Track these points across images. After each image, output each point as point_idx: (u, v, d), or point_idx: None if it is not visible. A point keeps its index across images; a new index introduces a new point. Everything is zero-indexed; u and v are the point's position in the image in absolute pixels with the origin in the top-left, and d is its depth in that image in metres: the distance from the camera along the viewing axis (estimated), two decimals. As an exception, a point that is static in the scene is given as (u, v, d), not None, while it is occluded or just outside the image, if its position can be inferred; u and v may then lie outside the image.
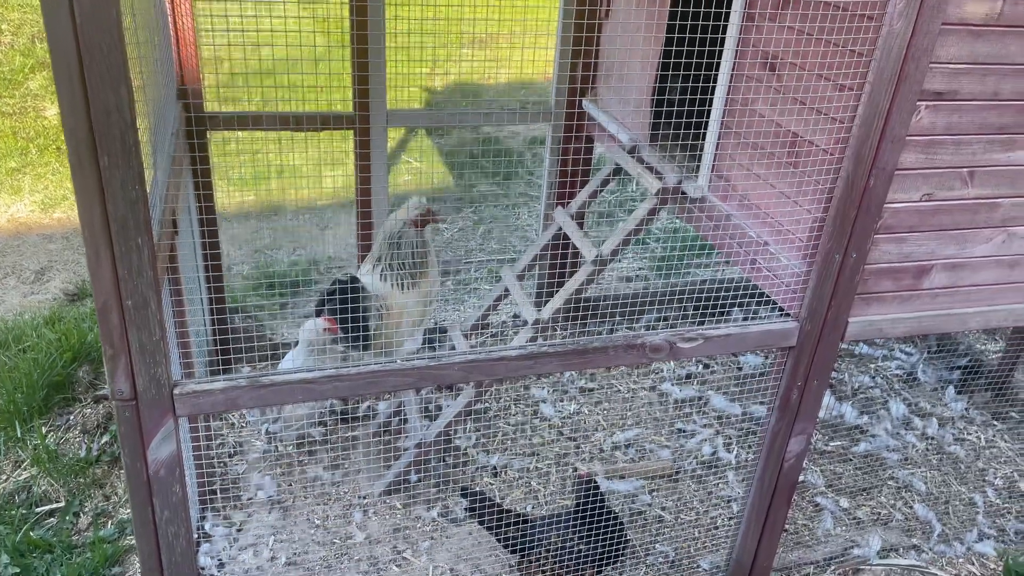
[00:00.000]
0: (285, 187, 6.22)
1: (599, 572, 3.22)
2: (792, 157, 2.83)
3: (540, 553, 3.16)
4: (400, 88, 4.52)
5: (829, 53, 2.53)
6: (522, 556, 3.22)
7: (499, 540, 3.25)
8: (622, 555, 3.31)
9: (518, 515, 3.28)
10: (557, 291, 3.85)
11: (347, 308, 3.70)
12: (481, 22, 3.43)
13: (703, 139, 3.41)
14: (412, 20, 3.81)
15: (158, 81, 3.05)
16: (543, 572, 3.16)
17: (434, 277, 4.11)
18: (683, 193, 3.49)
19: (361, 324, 3.82)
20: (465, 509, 3.44)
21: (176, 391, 2.18)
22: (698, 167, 3.48)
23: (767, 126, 2.98)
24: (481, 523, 3.27)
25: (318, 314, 3.91)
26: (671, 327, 5.21)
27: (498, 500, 3.62)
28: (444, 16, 3.59)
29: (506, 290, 4.17)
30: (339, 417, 4.31)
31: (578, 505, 3.22)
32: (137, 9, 2.45)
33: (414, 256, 3.93)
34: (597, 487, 3.22)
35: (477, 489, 3.51)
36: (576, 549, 3.14)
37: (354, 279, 3.90)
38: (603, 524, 3.16)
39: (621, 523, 3.24)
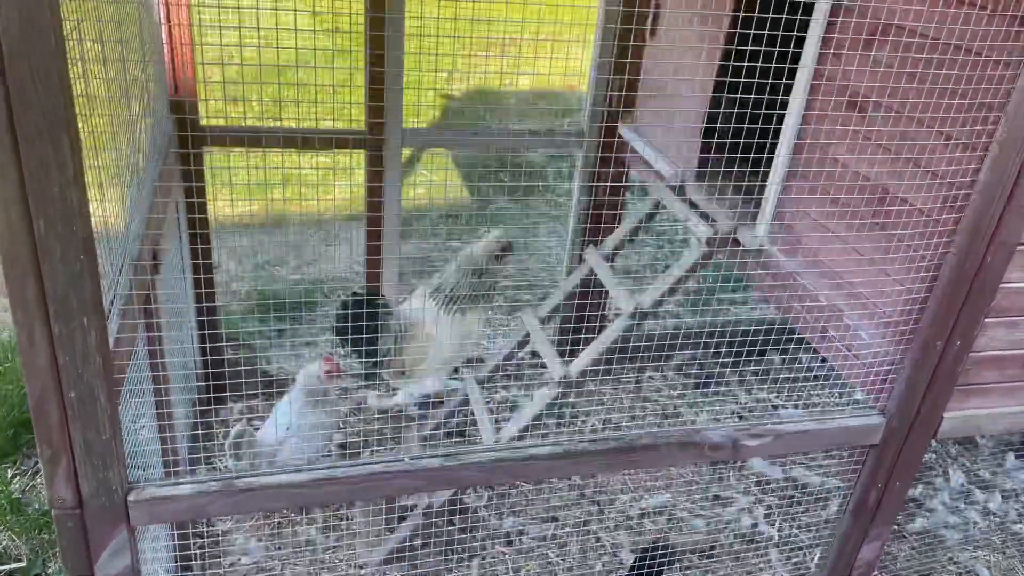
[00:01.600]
0: (290, 198, 5.81)
1: None
2: (879, 217, 2.40)
3: None
4: (416, 92, 4.09)
5: (942, 106, 2.09)
6: None
7: None
8: None
9: None
10: (584, 340, 3.43)
11: (360, 325, 3.35)
12: (503, 24, 2.98)
13: (764, 181, 2.98)
14: (430, 19, 3.37)
15: (142, 97, 2.64)
16: None
17: (480, 314, 3.69)
18: (737, 242, 3.06)
19: (367, 341, 3.45)
20: None
21: (131, 497, 1.76)
22: (757, 213, 3.04)
23: (847, 176, 2.54)
24: None
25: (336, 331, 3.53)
26: (705, 371, 4.79)
27: None
28: (464, 16, 3.14)
29: (527, 335, 3.73)
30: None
31: None
32: (106, 22, 2.04)
33: (483, 289, 3.54)
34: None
35: None
36: None
37: (370, 293, 3.53)
38: None
39: None
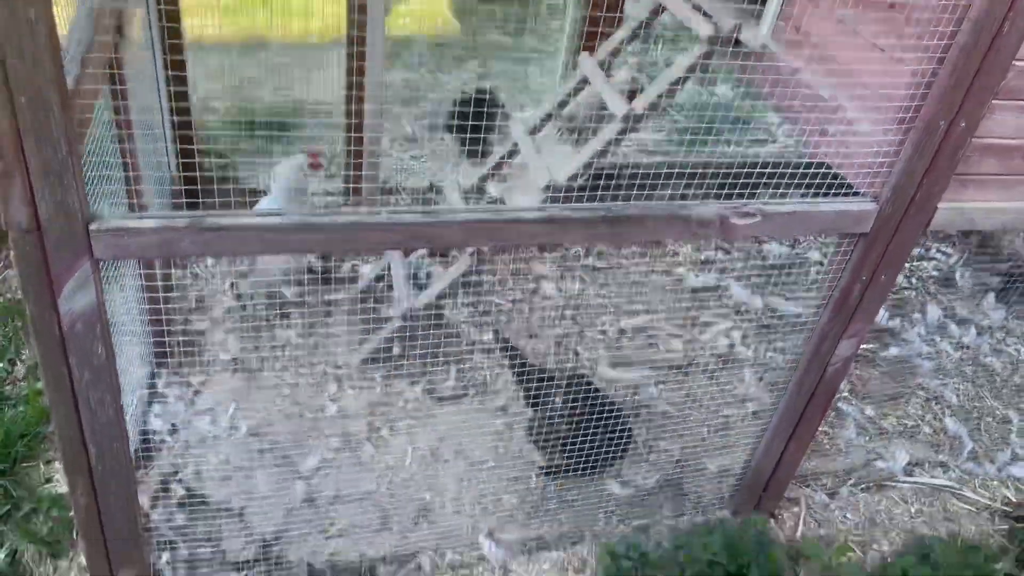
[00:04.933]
0: (272, 16, 5.50)
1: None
2: (893, -4, 2.25)
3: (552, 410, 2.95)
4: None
5: None
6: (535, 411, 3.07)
7: (522, 390, 3.17)
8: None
9: (541, 369, 3.12)
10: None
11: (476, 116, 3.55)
12: None
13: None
14: None
15: None
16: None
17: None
18: (738, 42, 2.90)
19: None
20: (500, 349, 3.40)
21: (93, 227, 1.68)
22: (761, 9, 2.87)
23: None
24: (512, 367, 3.25)
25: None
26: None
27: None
28: None
29: (515, 146, 3.61)
30: (318, 278, 3.85)
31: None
32: None
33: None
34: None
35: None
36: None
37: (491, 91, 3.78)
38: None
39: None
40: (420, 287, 3.65)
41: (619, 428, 2.90)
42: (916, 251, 4.70)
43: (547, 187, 3.17)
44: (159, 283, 2.94)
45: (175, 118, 3.74)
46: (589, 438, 2.81)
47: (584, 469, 2.92)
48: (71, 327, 1.79)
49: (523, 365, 3.23)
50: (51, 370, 1.85)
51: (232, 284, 3.68)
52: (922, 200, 2.21)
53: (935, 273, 4.55)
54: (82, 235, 1.68)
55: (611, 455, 2.92)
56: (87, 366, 1.86)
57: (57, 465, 2.84)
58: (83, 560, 2.55)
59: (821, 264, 4.39)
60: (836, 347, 2.51)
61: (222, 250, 1.83)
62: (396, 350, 3.49)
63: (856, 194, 2.26)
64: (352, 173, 4.24)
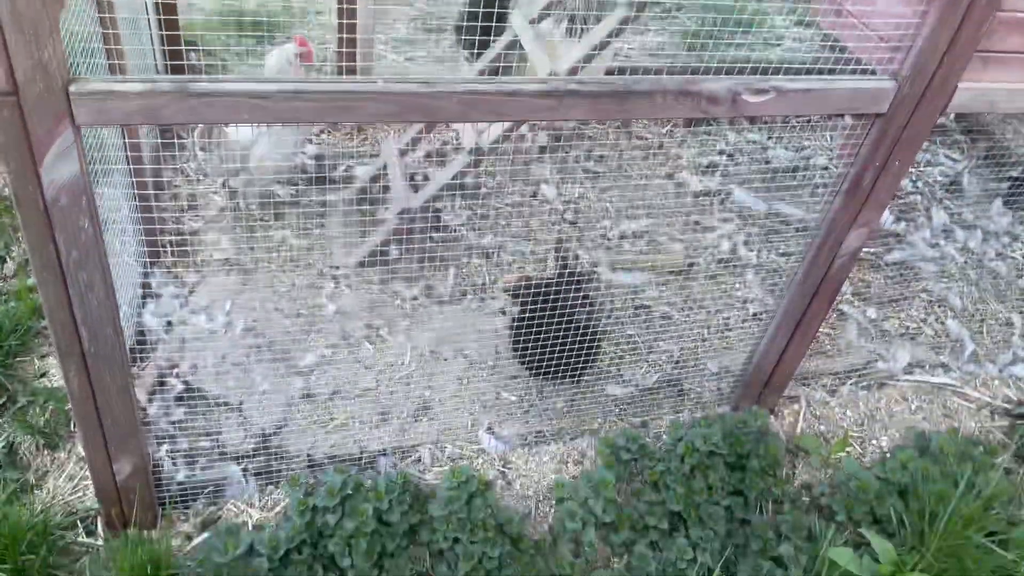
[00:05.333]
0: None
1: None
2: None
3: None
4: None
5: None
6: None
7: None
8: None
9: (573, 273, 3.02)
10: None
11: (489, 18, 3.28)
12: None
13: None
14: None
15: None
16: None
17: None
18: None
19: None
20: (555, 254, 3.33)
21: (72, 88, 1.59)
22: None
23: None
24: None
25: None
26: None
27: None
28: None
29: (515, 39, 3.48)
30: (312, 180, 3.75)
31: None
32: None
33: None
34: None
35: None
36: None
37: None
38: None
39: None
40: (416, 189, 3.57)
41: (585, 336, 2.83)
42: (923, 156, 4.60)
43: (550, 75, 3.05)
44: (149, 177, 2.86)
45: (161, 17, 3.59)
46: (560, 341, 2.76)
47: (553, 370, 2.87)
48: (55, 199, 1.71)
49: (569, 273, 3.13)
50: (37, 247, 1.78)
51: (224, 183, 3.59)
52: (942, 78, 2.11)
53: (942, 179, 4.46)
54: (62, 98, 1.59)
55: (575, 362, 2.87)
56: (74, 243, 1.80)
57: (51, 360, 2.80)
58: (80, 451, 2.54)
59: (826, 169, 4.31)
60: (844, 238, 2.45)
61: (210, 117, 1.73)
62: (394, 252, 3.43)
63: (873, 73, 2.16)
64: (344, 76, 4.11)
